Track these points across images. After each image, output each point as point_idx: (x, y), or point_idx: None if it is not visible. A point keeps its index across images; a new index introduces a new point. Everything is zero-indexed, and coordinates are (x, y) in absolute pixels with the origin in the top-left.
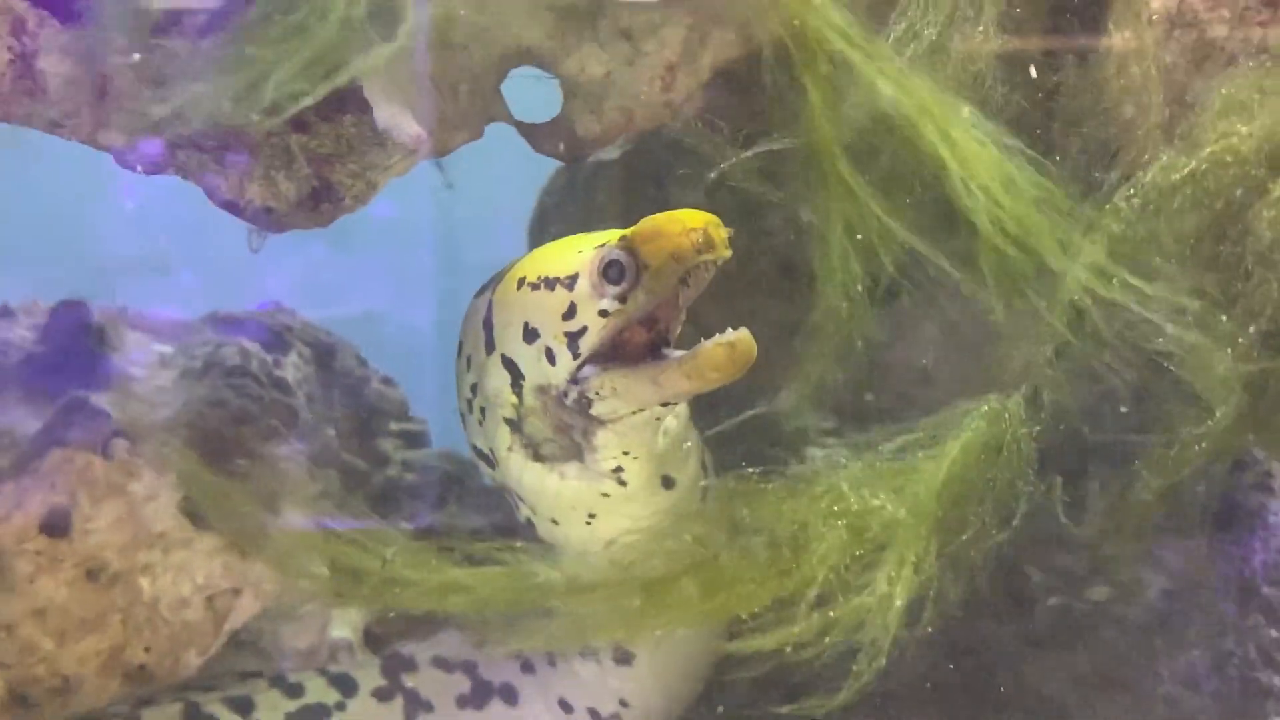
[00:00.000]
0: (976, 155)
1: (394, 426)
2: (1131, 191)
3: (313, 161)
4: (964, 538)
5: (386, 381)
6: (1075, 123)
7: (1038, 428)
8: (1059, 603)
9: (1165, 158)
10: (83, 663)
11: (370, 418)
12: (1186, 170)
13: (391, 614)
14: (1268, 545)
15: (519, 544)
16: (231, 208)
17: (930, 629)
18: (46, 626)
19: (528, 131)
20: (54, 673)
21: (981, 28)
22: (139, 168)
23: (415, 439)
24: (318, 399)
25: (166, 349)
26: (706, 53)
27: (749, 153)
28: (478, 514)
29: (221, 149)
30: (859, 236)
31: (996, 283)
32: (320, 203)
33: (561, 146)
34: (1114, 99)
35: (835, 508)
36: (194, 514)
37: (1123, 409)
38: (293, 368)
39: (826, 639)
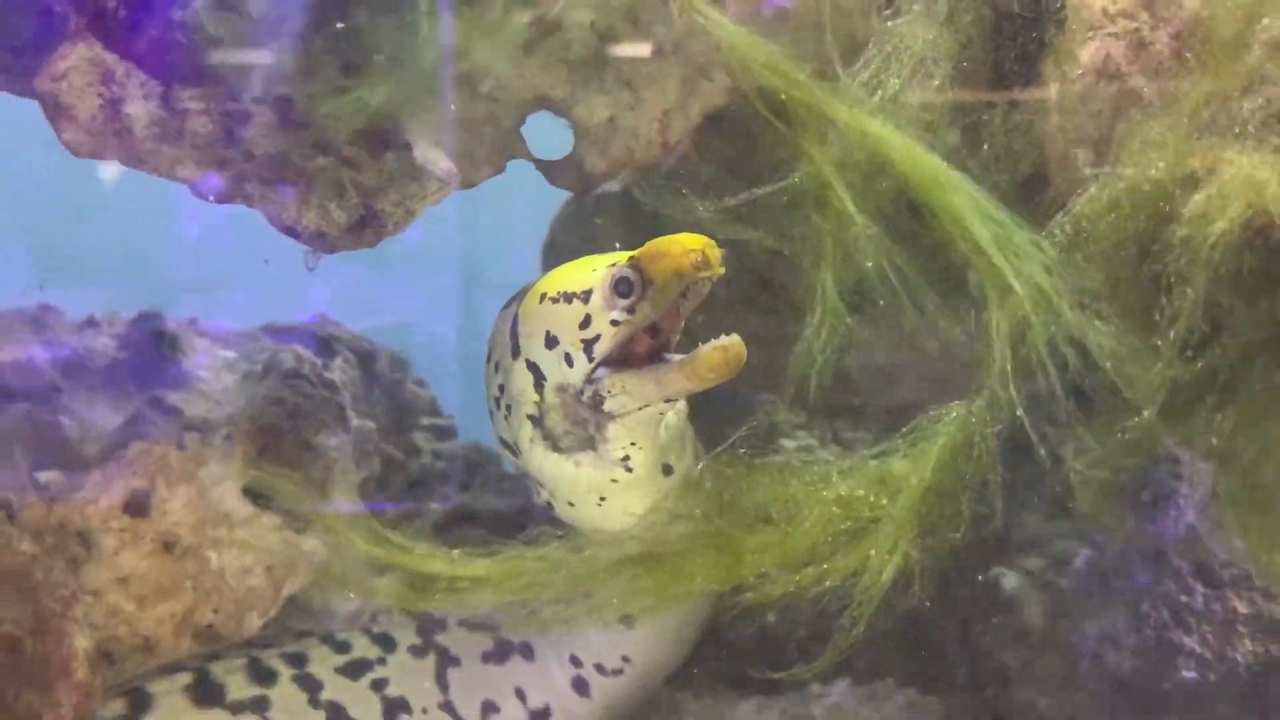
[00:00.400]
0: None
1: (425, 422)
2: (1064, 218)
3: (360, 192)
4: (942, 529)
5: (419, 383)
6: (1014, 161)
7: (999, 426)
8: (998, 571)
9: (1093, 188)
10: (159, 624)
11: (405, 414)
12: (1110, 198)
13: None
14: (1178, 523)
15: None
16: (290, 232)
17: (915, 598)
18: (129, 593)
19: (543, 167)
20: (135, 633)
21: (937, 81)
22: (211, 198)
23: (444, 433)
24: (361, 398)
25: (230, 355)
26: (696, 100)
27: (733, 200)
28: (497, 497)
29: (282, 182)
30: (831, 258)
31: (950, 298)
32: (366, 228)
33: (572, 180)
34: (1049, 140)
35: (825, 493)
36: (255, 495)
37: (1064, 408)
38: (339, 370)
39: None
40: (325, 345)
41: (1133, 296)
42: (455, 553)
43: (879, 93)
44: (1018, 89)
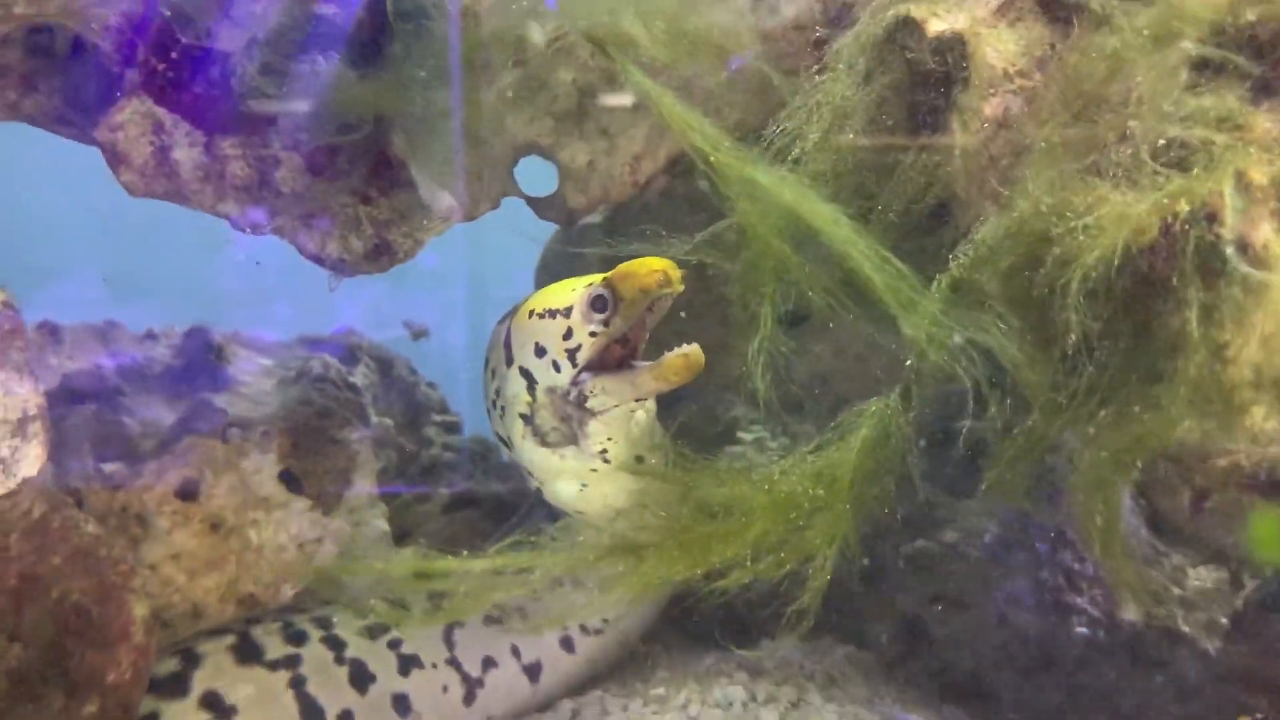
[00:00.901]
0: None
1: (436, 419)
2: (968, 244)
3: (375, 225)
4: (872, 507)
5: (430, 385)
6: (925, 196)
7: (911, 415)
8: (921, 543)
9: (992, 220)
10: (207, 593)
11: (418, 412)
12: (1007, 229)
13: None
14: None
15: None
16: (316, 259)
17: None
18: (180, 566)
19: (533, 203)
20: (186, 600)
21: (852, 134)
22: (248, 230)
23: (452, 428)
24: (380, 398)
25: (268, 362)
26: (663, 147)
27: (694, 238)
28: (497, 482)
29: (309, 216)
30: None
31: (870, 315)
32: (380, 256)
33: (558, 214)
34: (954, 179)
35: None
36: (289, 482)
37: (971, 405)
38: (361, 375)
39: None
40: (349, 354)
41: (1026, 311)
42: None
43: (799, 143)
44: (929, 137)
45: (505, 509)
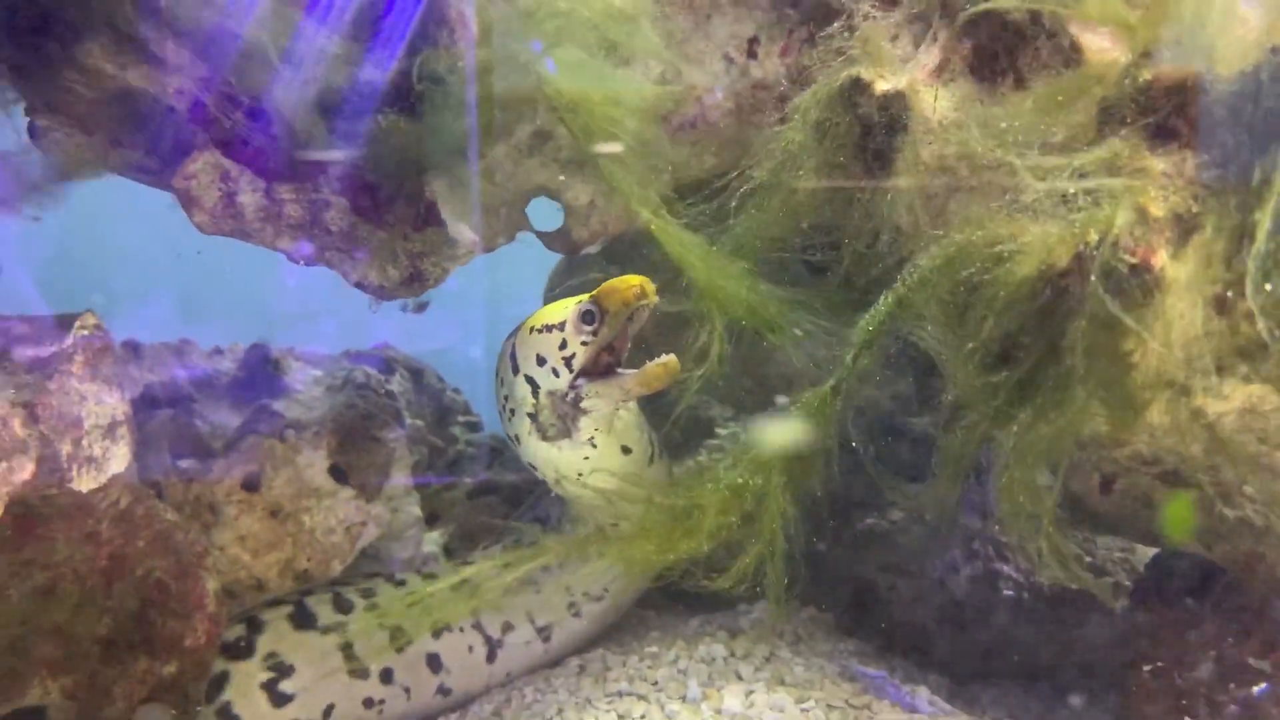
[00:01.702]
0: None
1: (460, 419)
2: (912, 269)
3: (409, 257)
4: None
5: (455, 391)
6: (873, 229)
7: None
8: (872, 520)
9: (932, 249)
10: (268, 569)
11: (445, 414)
12: (945, 257)
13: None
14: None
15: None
16: (359, 286)
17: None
18: (245, 547)
19: (543, 237)
20: (250, 576)
21: (802, 171)
22: (301, 262)
23: (474, 427)
24: (412, 402)
25: (317, 373)
26: (652, 188)
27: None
28: (512, 472)
29: (353, 250)
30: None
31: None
32: (414, 282)
33: (563, 246)
34: (898, 215)
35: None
36: (337, 475)
37: (912, 403)
38: (397, 383)
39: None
40: (386, 365)
41: (961, 326)
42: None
43: (758, 176)
44: (876, 179)
45: (520, 494)
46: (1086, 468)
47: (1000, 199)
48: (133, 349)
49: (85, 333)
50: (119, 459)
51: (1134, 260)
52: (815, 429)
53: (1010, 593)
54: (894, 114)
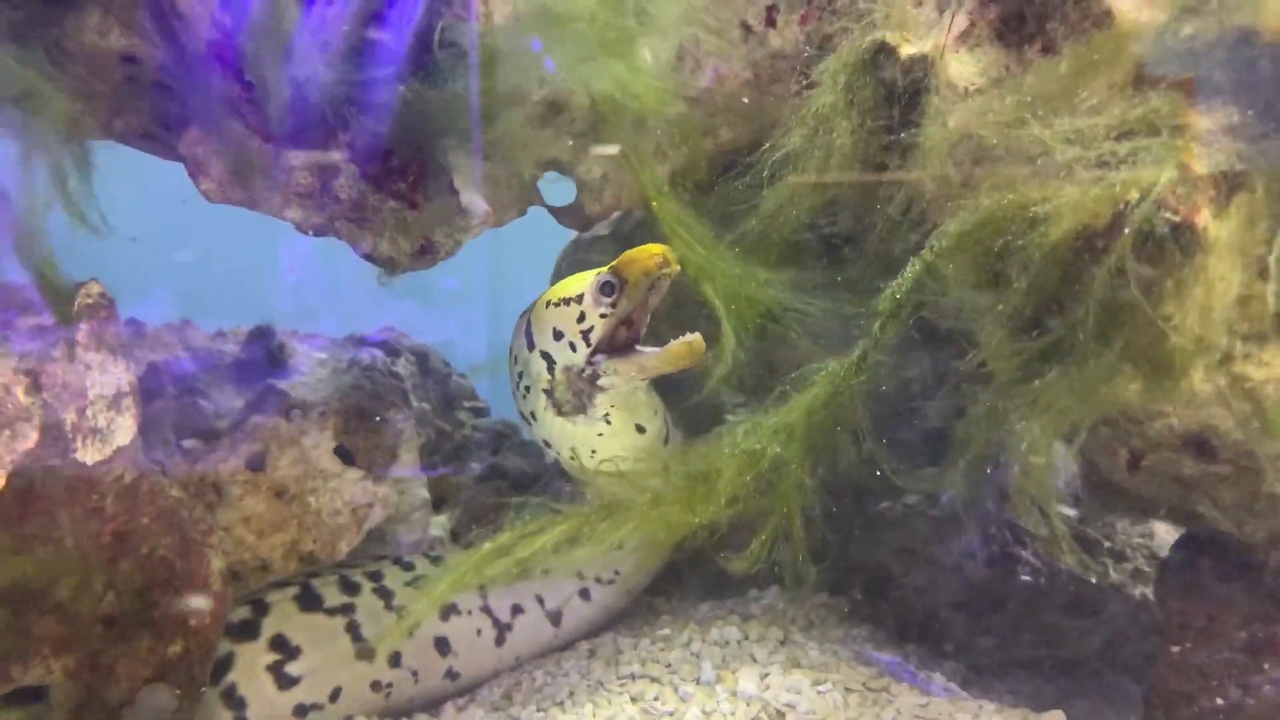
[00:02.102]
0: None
1: (467, 405)
2: (939, 235)
3: (421, 227)
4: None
5: (461, 376)
6: (890, 201)
7: (864, 379)
8: (886, 505)
9: (960, 215)
10: (273, 550)
11: (451, 399)
12: (974, 221)
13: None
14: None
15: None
16: (368, 258)
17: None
18: (250, 528)
19: (555, 212)
20: (255, 558)
21: (836, 134)
22: (310, 232)
23: (480, 413)
24: (419, 386)
25: (323, 355)
26: (666, 162)
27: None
28: (519, 458)
29: (364, 220)
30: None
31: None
32: (424, 255)
33: (575, 221)
34: (923, 183)
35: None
36: (343, 456)
37: (927, 388)
38: (403, 366)
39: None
40: (392, 349)
41: (991, 292)
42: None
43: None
44: (903, 146)
45: (527, 479)
46: (1114, 444)
47: (1031, 164)
48: (135, 329)
49: (90, 301)
50: (124, 431)
51: (1176, 218)
52: (839, 399)
53: (1028, 578)
54: (919, 79)
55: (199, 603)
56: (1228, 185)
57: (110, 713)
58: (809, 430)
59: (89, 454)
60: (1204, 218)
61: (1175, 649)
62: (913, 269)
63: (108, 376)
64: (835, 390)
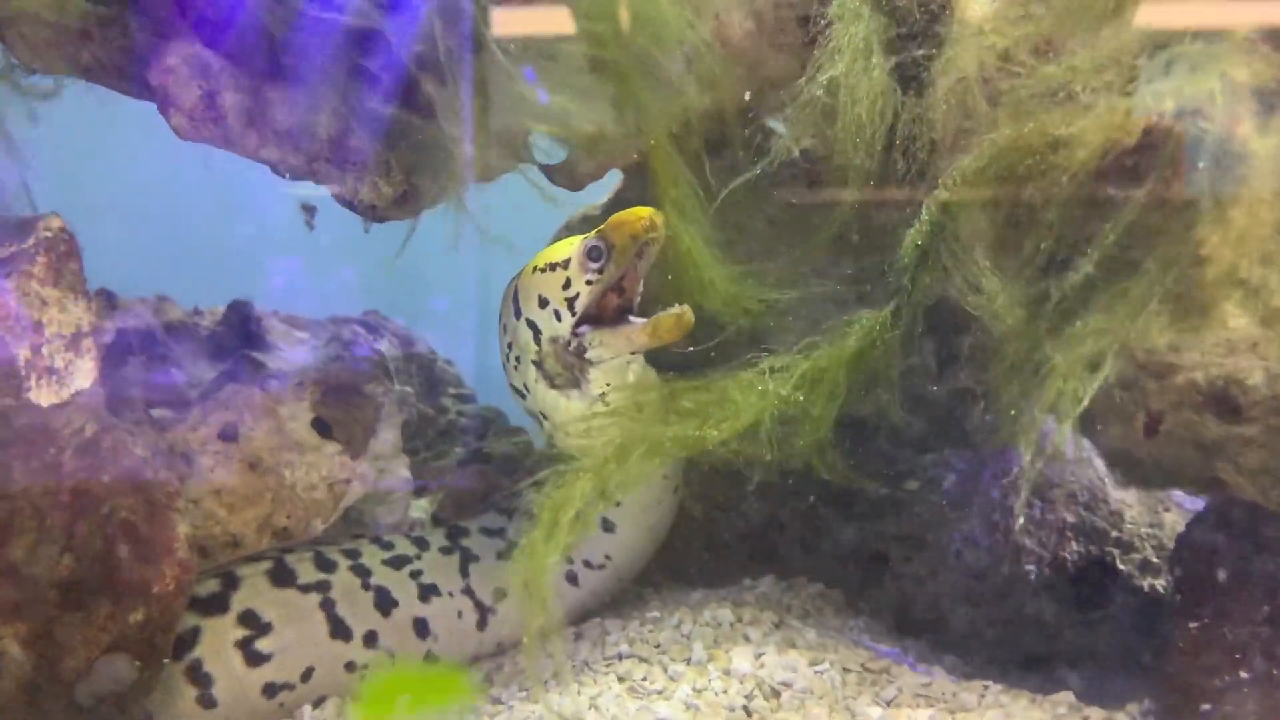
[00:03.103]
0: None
1: (452, 391)
2: (955, 172)
3: (404, 171)
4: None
5: (448, 362)
6: (916, 136)
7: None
8: (886, 492)
9: (976, 150)
10: (245, 526)
11: (436, 384)
12: (990, 155)
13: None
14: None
15: None
16: (349, 205)
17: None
18: (221, 501)
19: (546, 170)
20: (225, 533)
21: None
22: (288, 176)
23: (466, 399)
24: (402, 370)
25: (303, 334)
26: (662, 120)
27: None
28: (504, 442)
29: (344, 162)
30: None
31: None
32: (408, 201)
33: (567, 180)
34: (941, 118)
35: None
36: (321, 428)
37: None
38: (385, 345)
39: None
40: (374, 328)
41: (1003, 231)
42: None
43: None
44: (919, 79)
45: (513, 464)
46: (1129, 408)
47: (1047, 99)
48: (105, 298)
49: (49, 234)
50: (83, 374)
51: (1216, 130)
52: (872, 356)
53: (1032, 568)
54: (934, 12)
55: (163, 568)
56: (1271, 98)
57: (65, 684)
58: (835, 384)
59: (44, 395)
60: (1246, 129)
61: (1194, 625)
62: (929, 211)
63: (66, 315)
64: (868, 344)
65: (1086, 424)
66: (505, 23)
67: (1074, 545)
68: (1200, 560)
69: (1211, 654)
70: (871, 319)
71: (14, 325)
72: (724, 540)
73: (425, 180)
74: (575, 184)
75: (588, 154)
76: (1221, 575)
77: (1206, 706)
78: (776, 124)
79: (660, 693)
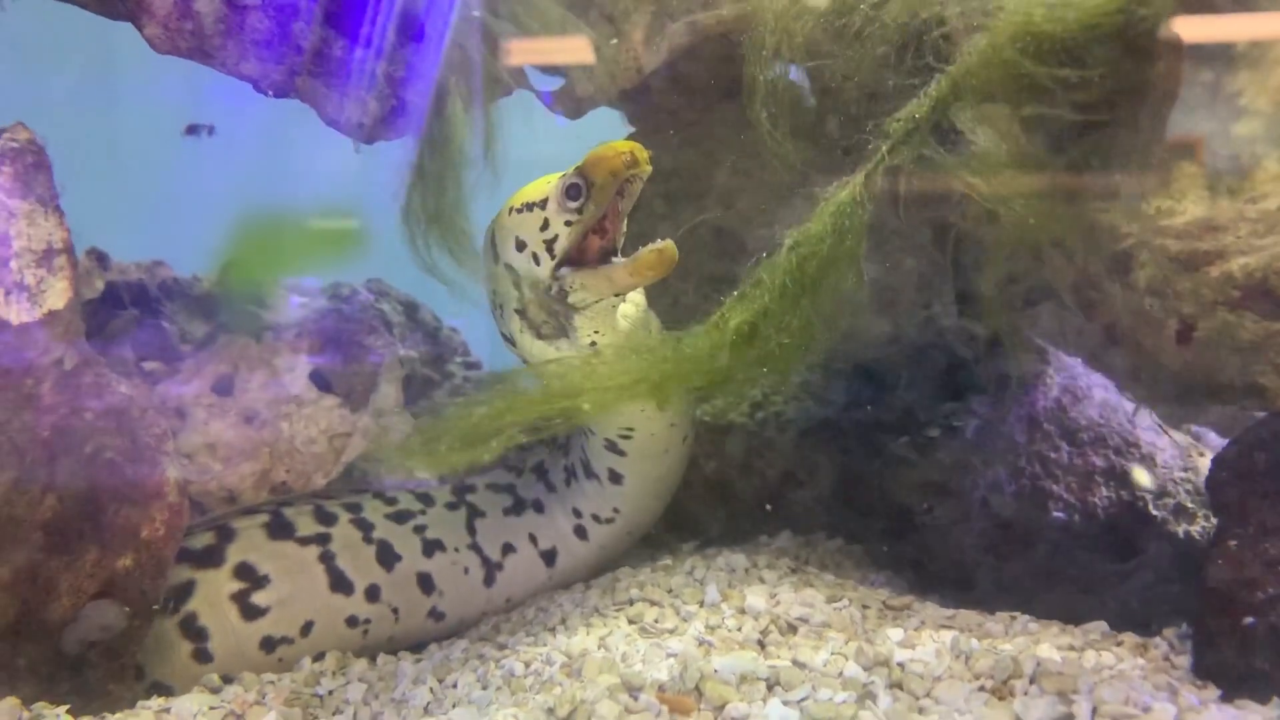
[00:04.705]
0: None
1: (458, 359)
2: (969, 48)
3: (393, 84)
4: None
5: (453, 330)
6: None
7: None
8: (907, 439)
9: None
10: (241, 480)
11: (441, 350)
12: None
13: None
14: (1046, 395)
15: None
16: (334, 124)
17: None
18: (215, 455)
19: (544, 96)
20: (222, 487)
21: None
22: (270, 92)
23: (473, 366)
24: (406, 336)
25: (302, 298)
26: (665, 39)
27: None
28: None
29: (328, 75)
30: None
31: None
32: (396, 119)
33: (568, 105)
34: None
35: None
36: (319, 381)
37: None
38: (388, 307)
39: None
40: (377, 292)
41: (1022, 94)
42: None
43: None
44: None
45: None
46: (1159, 315)
47: None
48: (97, 257)
49: (15, 144)
50: (57, 294)
51: None
52: (844, 233)
53: (1061, 515)
54: None
55: (152, 513)
56: None
57: (51, 631)
58: (811, 272)
59: (14, 313)
60: None
61: (1233, 543)
62: (938, 86)
63: (37, 229)
64: (837, 226)
65: (1107, 342)
66: None
67: (1104, 491)
68: (1236, 479)
69: (1253, 568)
70: (846, 193)
71: None
72: (741, 498)
73: (414, 92)
74: (576, 109)
75: (587, 77)
76: (1261, 490)
77: (1250, 620)
78: None
79: (672, 631)
